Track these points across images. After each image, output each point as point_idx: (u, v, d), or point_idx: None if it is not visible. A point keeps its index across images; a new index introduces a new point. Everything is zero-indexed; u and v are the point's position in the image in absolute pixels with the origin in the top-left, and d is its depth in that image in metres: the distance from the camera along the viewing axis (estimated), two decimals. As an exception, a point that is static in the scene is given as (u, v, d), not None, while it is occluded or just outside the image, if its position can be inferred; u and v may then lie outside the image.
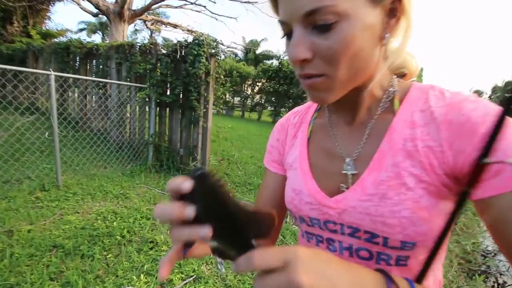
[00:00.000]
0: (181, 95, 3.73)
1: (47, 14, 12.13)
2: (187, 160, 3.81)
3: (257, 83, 13.17)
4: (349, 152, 0.45)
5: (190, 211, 0.26)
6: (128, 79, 3.98)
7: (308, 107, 0.54)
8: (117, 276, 1.72)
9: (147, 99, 3.81)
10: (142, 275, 1.74)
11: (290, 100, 12.75)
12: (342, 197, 0.43)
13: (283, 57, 11.91)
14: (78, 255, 1.87)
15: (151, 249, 2.04)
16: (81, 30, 21.99)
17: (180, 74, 3.62)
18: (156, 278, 1.74)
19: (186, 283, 1.73)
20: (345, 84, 0.38)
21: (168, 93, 3.76)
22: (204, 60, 3.43)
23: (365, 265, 0.42)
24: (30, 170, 3.06)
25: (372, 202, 0.39)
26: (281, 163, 0.55)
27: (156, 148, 3.91)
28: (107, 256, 1.90)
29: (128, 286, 1.29)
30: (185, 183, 0.25)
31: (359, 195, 0.41)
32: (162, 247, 2.06)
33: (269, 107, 13.96)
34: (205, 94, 3.60)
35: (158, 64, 3.75)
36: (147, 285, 1.66)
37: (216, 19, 11.59)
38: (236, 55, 23.28)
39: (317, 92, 0.39)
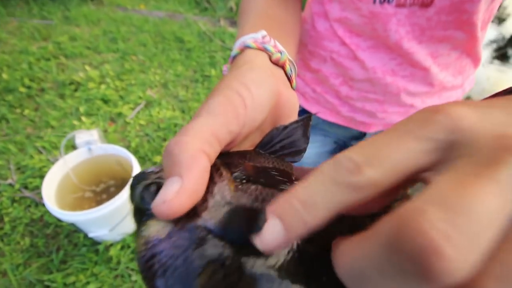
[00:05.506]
0: None
1: None
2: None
3: None
4: None
5: None
6: None
7: None
8: (53, 127, 1.47)
9: None
10: (83, 118, 1.51)
11: None
12: None
13: None
14: (-17, 123, 1.47)
15: (75, 90, 1.69)
16: None
17: None
18: (100, 116, 1.55)
19: (138, 111, 1.60)
20: None
21: None
22: None
23: None
24: None
25: None
26: None
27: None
28: (24, 113, 1.54)
29: (78, 129, 1.10)
30: None
31: None
32: (88, 84, 1.71)
33: None
34: None
35: None
36: (95, 125, 1.49)
37: None
38: None
39: None
